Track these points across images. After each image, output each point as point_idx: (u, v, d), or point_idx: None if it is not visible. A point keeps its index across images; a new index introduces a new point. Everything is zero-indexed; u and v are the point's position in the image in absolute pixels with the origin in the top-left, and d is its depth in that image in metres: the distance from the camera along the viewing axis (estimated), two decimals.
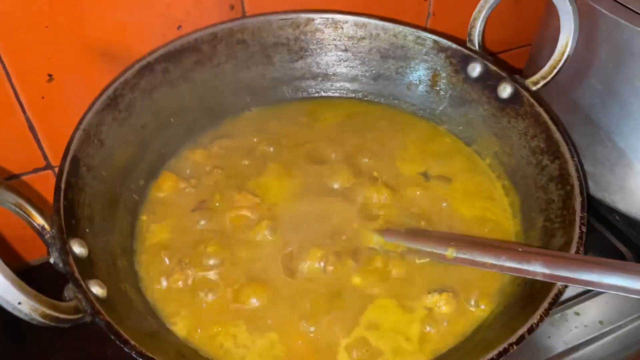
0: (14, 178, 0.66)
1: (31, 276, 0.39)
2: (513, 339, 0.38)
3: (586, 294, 0.60)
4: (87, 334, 0.69)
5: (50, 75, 0.62)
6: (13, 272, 0.34)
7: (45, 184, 0.71)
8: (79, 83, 0.64)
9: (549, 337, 0.56)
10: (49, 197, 0.68)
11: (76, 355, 0.68)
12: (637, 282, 0.38)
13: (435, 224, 0.54)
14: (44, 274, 0.40)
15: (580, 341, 0.56)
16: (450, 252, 0.47)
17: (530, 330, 0.38)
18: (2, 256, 0.35)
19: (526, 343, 0.55)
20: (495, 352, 0.37)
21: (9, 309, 0.33)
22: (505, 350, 0.37)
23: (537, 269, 0.42)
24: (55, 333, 0.69)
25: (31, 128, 0.66)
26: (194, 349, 0.44)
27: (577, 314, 0.58)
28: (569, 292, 0.60)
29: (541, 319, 0.39)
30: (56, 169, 0.70)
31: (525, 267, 0.43)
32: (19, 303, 0.33)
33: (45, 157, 0.69)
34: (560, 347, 0.55)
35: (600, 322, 0.57)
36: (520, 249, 0.44)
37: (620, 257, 0.64)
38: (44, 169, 0.70)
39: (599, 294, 0.60)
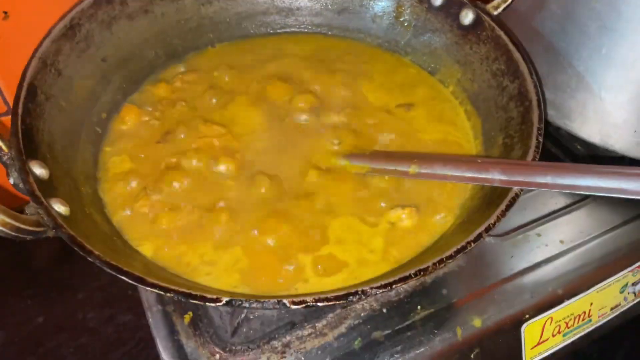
0: None
1: None
2: (471, 237, 0.39)
3: (547, 217, 0.62)
4: (56, 280, 0.70)
5: (5, 13, 0.61)
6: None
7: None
8: (36, 20, 0.62)
9: (511, 256, 0.58)
10: None
11: (46, 300, 0.69)
12: (587, 180, 0.39)
13: (399, 148, 0.55)
14: None
15: (542, 259, 0.57)
16: (413, 169, 0.48)
17: (487, 229, 0.39)
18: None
19: (489, 262, 0.57)
20: (453, 249, 0.38)
21: None
22: (463, 248, 0.38)
23: (495, 176, 0.43)
24: (25, 277, 0.70)
25: None
26: (161, 266, 0.44)
27: (538, 235, 0.60)
28: (531, 215, 0.61)
29: (498, 219, 0.40)
30: None
31: (483, 175, 0.44)
32: None
33: (5, 101, 0.68)
34: (522, 265, 0.57)
35: (561, 242, 0.59)
36: (479, 160, 0.45)
37: None
38: (6, 114, 0.69)
39: (559, 216, 0.62)
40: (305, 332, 0.51)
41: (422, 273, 0.37)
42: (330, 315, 0.51)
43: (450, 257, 0.38)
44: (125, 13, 0.57)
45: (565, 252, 0.58)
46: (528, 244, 0.59)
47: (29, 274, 0.72)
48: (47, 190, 0.41)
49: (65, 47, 0.51)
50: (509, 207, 0.41)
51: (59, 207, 0.40)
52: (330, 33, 0.67)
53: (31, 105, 0.46)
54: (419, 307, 0.53)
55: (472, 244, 0.38)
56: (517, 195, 0.42)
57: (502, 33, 0.55)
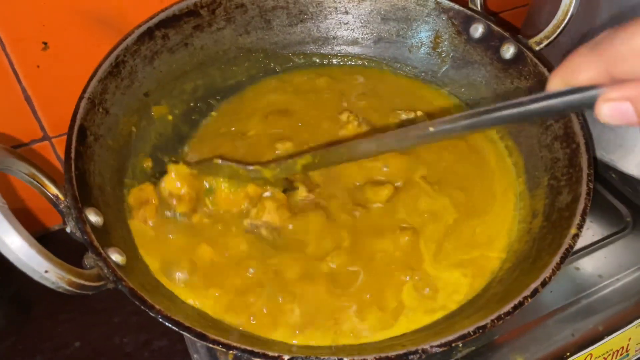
0: None
1: (51, 241, 0.39)
2: (527, 292, 0.39)
3: (584, 250, 0.62)
4: (91, 304, 0.71)
5: (45, 43, 0.61)
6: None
7: (43, 156, 0.70)
8: (74, 51, 0.62)
9: (550, 291, 0.58)
10: (48, 168, 0.67)
11: (82, 324, 0.69)
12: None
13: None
14: (64, 239, 0.40)
15: (581, 295, 0.57)
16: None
17: (544, 283, 0.39)
18: (23, 222, 0.35)
19: None
20: (510, 305, 0.38)
21: (36, 277, 0.33)
22: (520, 304, 0.38)
23: None
24: (61, 301, 0.70)
25: (27, 98, 0.64)
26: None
27: (577, 269, 0.60)
28: None
29: (553, 273, 0.40)
30: (53, 140, 0.70)
31: None
32: (46, 272, 0.33)
33: (42, 128, 0.68)
34: (561, 302, 0.57)
35: (600, 276, 0.59)
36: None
37: (616, 213, 0.66)
38: (42, 140, 0.70)
39: (596, 249, 0.62)
40: None
41: (481, 331, 0.37)
42: None
43: (508, 313, 0.38)
44: (166, 47, 0.57)
45: (605, 287, 0.58)
46: (567, 279, 0.59)
47: (64, 296, 0.72)
48: (103, 238, 0.41)
49: (111, 85, 0.52)
50: (563, 259, 0.41)
51: (116, 257, 0.41)
52: (366, 64, 0.67)
53: (82, 148, 0.46)
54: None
55: (529, 299, 0.39)
56: (571, 247, 0.42)
57: (545, 70, 0.55)
